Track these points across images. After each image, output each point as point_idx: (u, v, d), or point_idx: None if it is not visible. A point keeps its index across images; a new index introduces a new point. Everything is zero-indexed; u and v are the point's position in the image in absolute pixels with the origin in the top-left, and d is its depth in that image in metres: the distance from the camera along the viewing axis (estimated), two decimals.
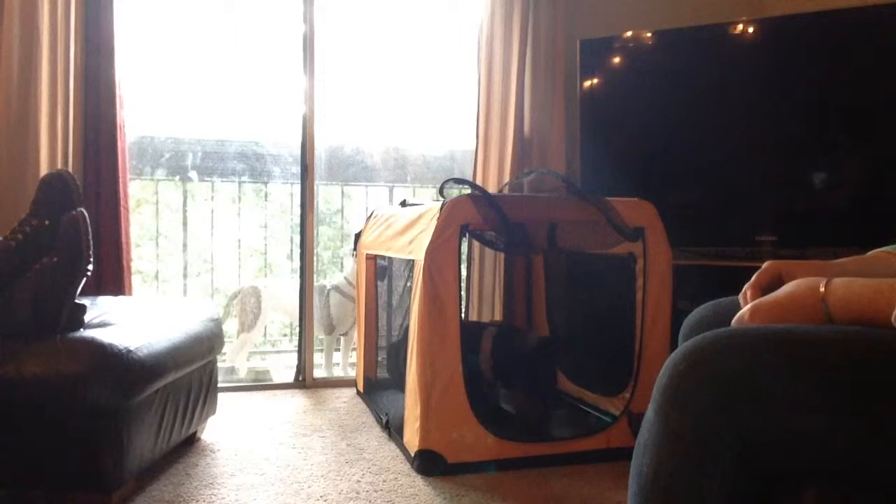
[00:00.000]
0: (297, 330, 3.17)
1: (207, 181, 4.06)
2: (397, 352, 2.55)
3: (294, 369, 3.02)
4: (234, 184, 4.12)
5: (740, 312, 0.89)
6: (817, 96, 2.61)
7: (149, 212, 4.00)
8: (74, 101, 2.58)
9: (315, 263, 3.17)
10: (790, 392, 0.67)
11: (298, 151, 3.00)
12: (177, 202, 3.98)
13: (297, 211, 3.23)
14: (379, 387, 2.68)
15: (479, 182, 3.02)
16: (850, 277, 0.79)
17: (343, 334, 3.44)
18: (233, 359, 3.42)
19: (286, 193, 4.21)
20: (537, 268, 2.85)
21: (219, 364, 2.31)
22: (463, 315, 2.04)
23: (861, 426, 0.66)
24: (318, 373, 3.09)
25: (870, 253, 0.99)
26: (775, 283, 0.90)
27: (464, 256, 2.68)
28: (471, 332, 2.20)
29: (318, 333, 3.29)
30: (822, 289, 0.79)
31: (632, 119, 2.91)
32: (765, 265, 0.94)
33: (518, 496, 1.78)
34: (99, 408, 1.53)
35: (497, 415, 2.29)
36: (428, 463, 1.91)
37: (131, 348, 1.58)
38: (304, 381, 2.97)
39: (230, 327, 3.45)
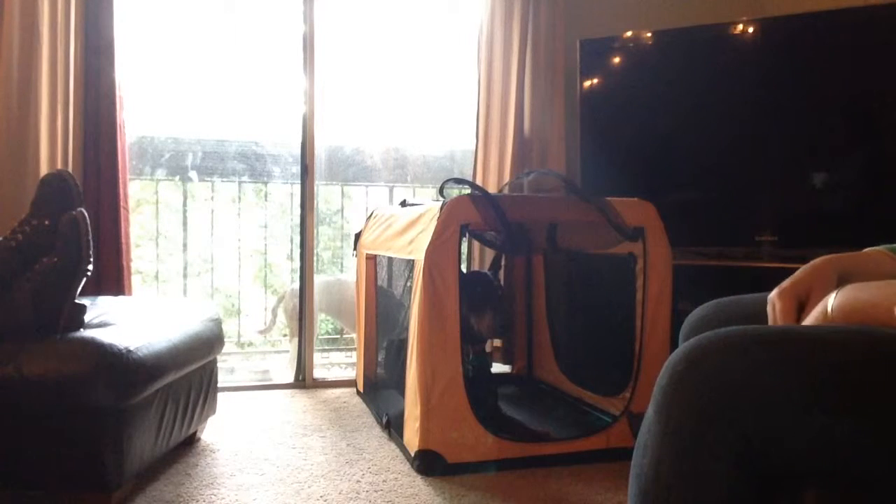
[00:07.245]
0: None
1: (207, 181, 4.05)
2: (397, 352, 2.55)
3: (294, 369, 3.02)
4: (234, 184, 4.12)
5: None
6: (817, 96, 2.61)
7: (149, 212, 3.99)
8: (74, 102, 2.58)
9: (315, 263, 3.16)
10: (790, 392, 0.67)
11: (298, 151, 3.00)
12: (177, 202, 3.98)
13: (297, 211, 3.22)
14: (379, 387, 2.68)
15: (479, 182, 3.02)
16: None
17: None
18: (285, 371, 3.25)
19: (286, 193, 4.21)
20: (537, 268, 2.85)
21: (219, 364, 2.31)
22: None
23: (861, 426, 0.66)
24: (318, 373, 3.09)
25: (867, 250, 0.97)
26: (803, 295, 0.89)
27: (464, 256, 2.68)
28: None
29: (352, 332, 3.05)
30: (831, 303, 0.79)
31: (632, 119, 2.91)
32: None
33: (518, 496, 1.78)
34: (99, 408, 1.53)
35: (497, 415, 2.29)
36: (428, 463, 1.91)
37: (131, 348, 1.58)
38: (304, 381, 2.96)
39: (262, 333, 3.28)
